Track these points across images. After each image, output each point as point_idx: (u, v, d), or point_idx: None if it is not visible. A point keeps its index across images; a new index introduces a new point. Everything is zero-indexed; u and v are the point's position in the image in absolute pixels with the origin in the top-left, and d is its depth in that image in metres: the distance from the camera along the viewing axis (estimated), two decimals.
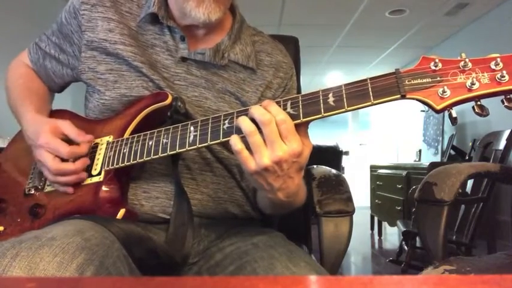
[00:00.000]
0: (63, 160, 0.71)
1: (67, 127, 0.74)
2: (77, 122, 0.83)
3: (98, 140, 0.76)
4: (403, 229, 2.53)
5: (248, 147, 0.59)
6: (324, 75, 5.79)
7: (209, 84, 0.80)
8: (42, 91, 0.90)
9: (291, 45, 1.14)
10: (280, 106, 0.60)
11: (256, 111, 0.58)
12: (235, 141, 0.59)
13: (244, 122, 0.59)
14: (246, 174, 0.63)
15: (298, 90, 1.01)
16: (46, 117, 0.81)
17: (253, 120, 0.59)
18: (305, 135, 0.61)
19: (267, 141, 0.57)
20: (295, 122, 0.59)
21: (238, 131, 0.61)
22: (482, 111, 0.54)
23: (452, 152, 3.45)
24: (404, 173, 3.41)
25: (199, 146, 0.65)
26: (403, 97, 0.55)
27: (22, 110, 0.81)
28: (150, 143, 0.69)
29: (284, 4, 3.32)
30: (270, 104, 0.59)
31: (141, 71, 0.77)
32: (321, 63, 5.19)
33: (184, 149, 0.66)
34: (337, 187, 0.90)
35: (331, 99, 0.58)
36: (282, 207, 0.72)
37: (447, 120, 3.51)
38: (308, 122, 0.60)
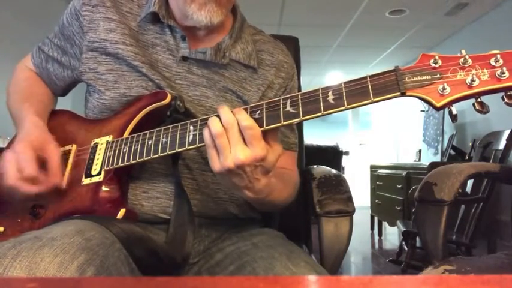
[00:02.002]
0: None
1: (53, 156, 0.71)
2: (76, 122, 0.83)
3: (97, 140, 0.76)
4: (403, 229, 2.52)
5: None
6: (324, 75, 5.79)
7: (210, 83, 0.80)
8: (44, 94, 0.90)
9: (291, 45, 1.14)
10: (279, 105, 0.61)
11: (222, 114, 0.61)
12: (207, 134, 0.61)
13: (212, 123, 0.60)
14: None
15: (299, 90, 1.01)
16: (45, 121, 0.81)
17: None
18: (274, 140, 0.63)
19: (231, 144, 0.60)
20: (295, 120, 0.60)
21: None
22: (483, 108, 0.53)
23: (452, 152, 3.45)
24: (404, 173, 3.41)
25: (199, 145, 0.65)
26: (403, 95, 0.55)
27: (21, 112, 0.81)
28: (150, 142, 0.69)
29: (284, 4, 3.32)
30: (239, 111, 0.61)
31: (141, 71, 0.77)
32: (321, 63, 5.19)
33: (184, 149, 0.66)
34: (337, 187, 0.90)
35: (330, 97, 0.58)
36: (263, 204, 0.74)
37: (447, 120, 3.51)
38: (276, 129, 0.62)
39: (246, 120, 0.60)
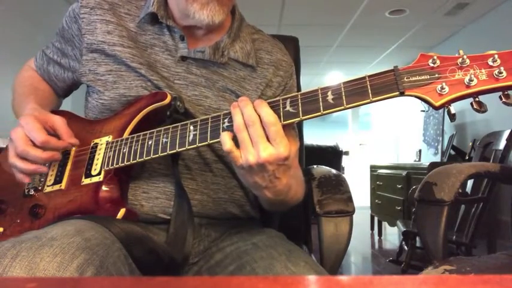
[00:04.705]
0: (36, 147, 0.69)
1: (58, 121, 0.73)
2: (76, 122, 0.83)
3: (97, 140, 0.76)
4: (403, 229, 2.53)
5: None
6: (324, 75, 5.79)
7: (209, 83, 0.80)
8: (47, 92, 0.91)
9: (291, 45, 1.14)
10: (279, 105, 0.61)
11: (245, 110, 0.59)
12: (225, 140, 0.59)
13: (236, 117, 0.59)
14: (235, 169, 0.63)
15: (298, 90, 1.01)
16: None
17: None
18: (290, 132, 0.62)
19: (252, 141, 0.58)
20: (295, 120, 0.60)
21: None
22: (481, 108, 0.54)
23: (452, 152, 3.45)
24: (404, 173, 3.41)
25: (199, 145, 0.65)
26: (402, 94, 0.55)
27: (23, 104, 0.81)
28: (150, 142, 0.69)
29: (284, 4, 3.32)
30: (261, 104, 0.59)
31: (140, 72, 0.77)
32: (321, 63, 5.19)
33: (184, 148, 0.66)
34: (337, 187, 0.90)
35: (330, 97, 0.58)
36: (274, 205, 0.73)
37: (447, 120, 3.50)
38: (290, 125, 0.61)
39: (270, 115, 0.58)
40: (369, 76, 0.57)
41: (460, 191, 1.05)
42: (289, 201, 0.73)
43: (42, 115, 0.73)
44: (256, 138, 0.57)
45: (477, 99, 0.54)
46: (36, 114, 0.72)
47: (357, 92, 0.57)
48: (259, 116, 0.58)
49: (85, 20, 0.81)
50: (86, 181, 0.72)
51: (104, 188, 0.70)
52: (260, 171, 0.59)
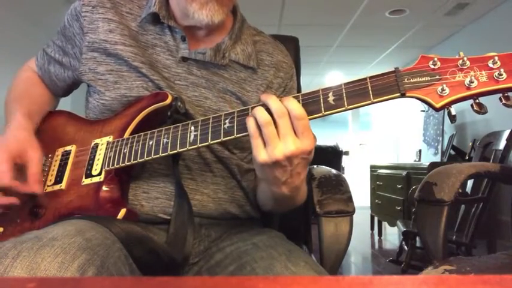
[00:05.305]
0: None
1: (32, 161, 0.73)
2: (75, 123, 0.83)
3: (97, 140, 0.76)
4: (403, 229, 2.53)
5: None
6: (324, 75, 5.79)
7: (210, 84, 0.80)
8: (41, 96, 0.90)
9: (291, 45, 1.14)
10: None
11: (273, 102, 0.58)
12: (251, 123, 0.59)
13: (260, 112, 0.58)
14: (254, 164, 0.63)
15: (298, 90, 1.02)
16: (35, 122, 0.82)
17: (268, 112, 0.59)
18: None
19: (280, 134, 0.58)
20: None
21: (241, 130, 0.61)
22: (481, 109, 0.54)
23: (452, 152, 3.45)
24: (404, 173, 3.41)
25: (200, 145, 0.65)
26: (403, 95, 0.56)
27: (12, 112, 0.81)
28: (151, 142, 0.69)
29: (284, 4, 3.32)
30: (289, 99, 0.59)
31: (141, 71, 0.77)
32: (321, 63, 5.19)
33: (185, 149, 0.66)
34: (337, 187, 0.90)
35: (331, 98, 0.59)
36: (283, 202, 0.73)
37: (447, 120, 3.50)
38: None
39: (299, 109, 0.58)
40: (370, 77, 0.57)
41: (460, 191, 1.05)
42: (296, 200, 0.73)
43: (19, 148, 0.73)
44: (285, 131, 0.57)
45: (477, 100, 0.54)
46: (13, 148, 0.72)
47: (358, 93, 0.57)
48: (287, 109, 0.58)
49: (87, 19, 0.80)
50: (86, 181, 0.72)
51: (104, 188, 0.70)
52: (284, 165, 0.59)
